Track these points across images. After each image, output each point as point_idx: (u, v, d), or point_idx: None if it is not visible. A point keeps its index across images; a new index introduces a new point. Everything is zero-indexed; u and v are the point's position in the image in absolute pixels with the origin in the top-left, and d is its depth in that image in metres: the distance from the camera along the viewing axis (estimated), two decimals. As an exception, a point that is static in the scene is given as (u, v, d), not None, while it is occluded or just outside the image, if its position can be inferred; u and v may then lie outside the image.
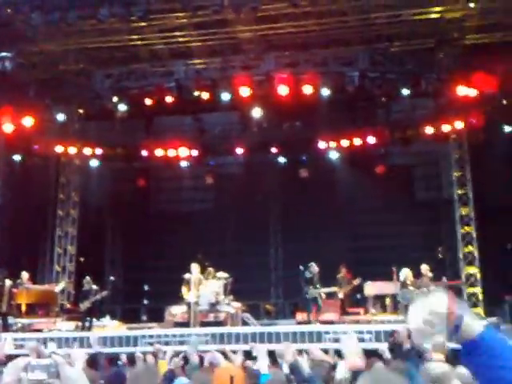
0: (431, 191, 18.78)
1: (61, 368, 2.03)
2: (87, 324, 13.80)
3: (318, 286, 13.50)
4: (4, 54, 16.59)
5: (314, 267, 13.69)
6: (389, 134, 17.14)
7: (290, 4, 13.46)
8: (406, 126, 17.20)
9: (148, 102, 16.28)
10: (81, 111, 17.20)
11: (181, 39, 16.15)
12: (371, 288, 13.84)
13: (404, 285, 12.81)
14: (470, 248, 16.33)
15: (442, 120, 16.61)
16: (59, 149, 17.88)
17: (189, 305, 13.27)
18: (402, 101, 16.59)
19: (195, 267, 13.81)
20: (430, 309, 1.61)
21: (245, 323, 13.50)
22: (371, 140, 17.15)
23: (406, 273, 12.87)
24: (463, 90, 14.38)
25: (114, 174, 20.12)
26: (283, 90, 15.29)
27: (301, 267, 13.75)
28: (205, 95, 15.97)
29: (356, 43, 15.99)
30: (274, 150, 18.48)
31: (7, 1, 13.39)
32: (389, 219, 17.73)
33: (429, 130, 16.74)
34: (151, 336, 11.75)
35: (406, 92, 15.34)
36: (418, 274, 13.16)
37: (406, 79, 15.40)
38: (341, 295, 14.01)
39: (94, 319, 14.10)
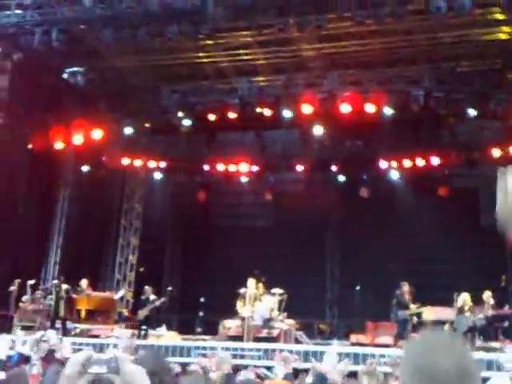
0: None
1: (121, 363, 2.07)
2: (143, 332, 14.08)
3: (409, 306, 13.19)
4: (76, 69, 17.39)
5: (406, 286, 13.35)
6: (454, 156, 16.70)
7: (355, 23, 13.39)
8: (473, 148, 16.69)
9: (212, 117, 16.61)
10: (148, 125, 17.69)
11: (245, 57, 16.43)
12: (430, 313, 13.43)
13: (461, 311, 12.39)
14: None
15: (511, 142, 16.07)
16: (126, 161, 18.45)
17: (243, 319, 13.33)
18: (468, 122, 16.17)
19: (252, 282, 13.89)
20: None
21: (297, 341, 13.41)
22: (435, 161, 16.76)
23: (464, 298, 12.45)
24: (532, 112, 13.90)
25: (176, 187, 20.57)
26: (346, 109, 15.25)
27: (357, 288, 13.54)
28: (267, 112, 16.14)
29: (421, 62, 15.76)
30: (334, 168, 18.36)
31: (80, 18, 14.01)
32: (451, 243, 17.18)
33: (496, 152, 16.21)
34: (204, 348, 11.85)
35: (472, 113, 14.99)
36: (479, 301, 12.70)
37: (472, 99, 15.07)
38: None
39: (151, 328, 14.37)
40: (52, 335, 10.85)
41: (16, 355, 5.84)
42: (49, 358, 6.93)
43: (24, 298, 14.62)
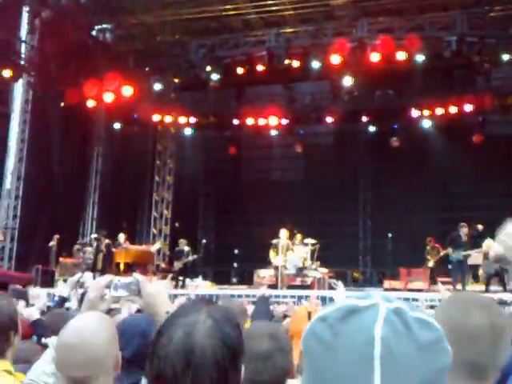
0: (533, 162, 17.79)
1: (142, 285, 2.10)
2: (180, 283, 14.46)
3: (465, 248, 12.83)
4: (104, 25, 17.42)
5: (465, 228, 12.99)
6: (488, 102, 16.32)
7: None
8: (507, 93, 16.33)
9: (240, 71, 16.50)
10: (176, 81, 17.70)
11: (273, 8, 16.22)
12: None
13: (486, 256, 12.36)
14: None
15: (546, 86, 15.70)
16: (156, 117, 18.55)
17: (276, 268, 13.56)
18: (502, 67, 15.78)
19: (284, 233, 14.05)
20: None
21: (331, 288, 13.60)
22: (468, 108, 16.41)
23: (488, 244, 12.36)
24: None
25: (206, 142, 20.69)
26: (375, 57, 14.99)
27: (389, 235, 13.59)
28: (295, 63, 15.95)
29: (454, 7, 15.35)
30: (364, 118, 18.13)
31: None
32: (485, 191, 16.99)
33: (531, 97, 15.88)
34: (240, 296, 12.11)
35: (506, 57, 14.61)
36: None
37: (506, 44, 14.64)
38: (431, 264, 13.73)
39: (188, 279, 14.73)
40: (88, 277, 11.19)
41: (57, 298, 6.06)
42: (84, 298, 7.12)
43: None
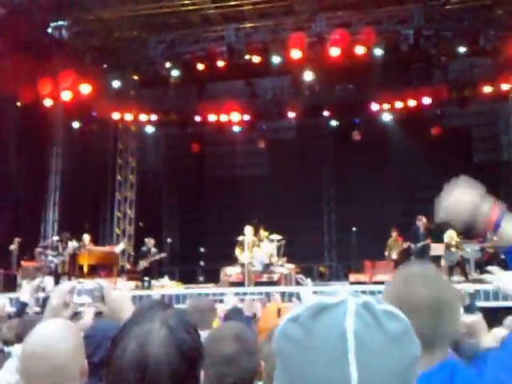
0: (490, 153, 18.26)
1: (105, 291, 2.09)
2: (146, 284, 14.29)
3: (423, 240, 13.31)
4: (61, 22, 17.04)
5: (420, 221, 13.43)
6: (445, 94, 16.66)
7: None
8: (464, 86, 16.68)
9: (200, 67, 16.40)
10: (136, 77, 17.46)
11: (232, 3, 16.13)
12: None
13: (448, 246, 12.65)
14: (531, 210, 15.85)
15: (501, 79, 16.03)
16: (116, 115, 18.26)
17: (243, 265, 13.54)
18: (459, 60, 16.10)
19: (249, 229, 14.04)
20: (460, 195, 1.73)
21: (298, 284, 13.66)
22: (427, 101, 16.71)
23: (450, 234, 12.67)
24: (523, 47, 13.83)
25: (168, 140, 20.50)
26: (335, 52, 15.08)
27: (353, 229, 13.70)
28: (256, 59, 15.93)
29: (410, 1, 15.55)
30: (326, 113, 18.28)
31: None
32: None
33: (487, 89, 16.19)
34: (207, 294, 12.05)
35: (462, 50, 14.90)
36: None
37: (462, 37, 14.94)
38: (394, 256, 13.93)
39: (153, 279, 14.57)
40: (49, 282, 10.97)
41: (18, 304, 5.93)
42: (46, 304, 7.00)
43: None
